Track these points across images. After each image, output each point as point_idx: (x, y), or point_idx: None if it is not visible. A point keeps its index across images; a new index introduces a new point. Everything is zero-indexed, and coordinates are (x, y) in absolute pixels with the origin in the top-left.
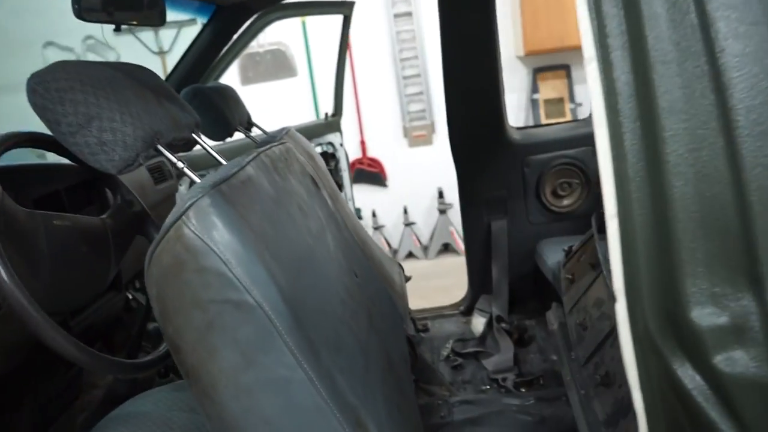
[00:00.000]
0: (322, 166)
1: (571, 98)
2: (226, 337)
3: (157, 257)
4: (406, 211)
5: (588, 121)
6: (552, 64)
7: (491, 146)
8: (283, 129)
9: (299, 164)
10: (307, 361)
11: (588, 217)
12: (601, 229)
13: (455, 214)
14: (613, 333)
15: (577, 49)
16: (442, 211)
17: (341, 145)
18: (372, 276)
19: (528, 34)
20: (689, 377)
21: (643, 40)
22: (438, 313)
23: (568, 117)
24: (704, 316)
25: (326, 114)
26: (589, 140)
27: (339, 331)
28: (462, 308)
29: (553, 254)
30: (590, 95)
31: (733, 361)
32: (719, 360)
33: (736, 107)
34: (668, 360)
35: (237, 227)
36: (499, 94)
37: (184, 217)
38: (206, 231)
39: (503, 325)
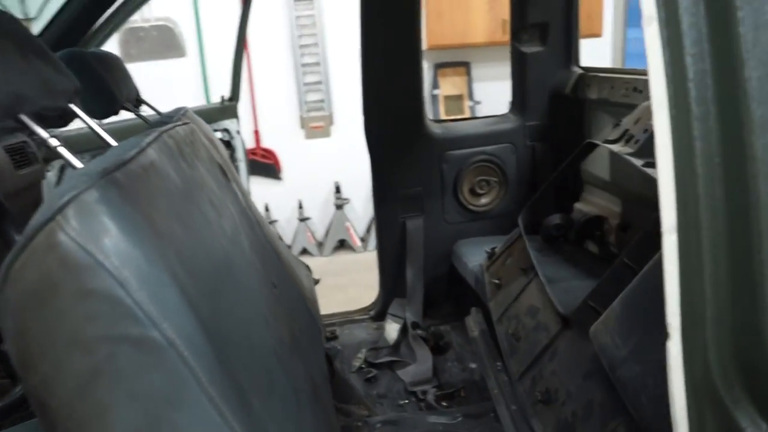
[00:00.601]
0: (225, 155)
1: (470, 95)
2: (120, 390)
3: (17, 274)
4: (301, 206)
5: (506, 117)
6: (453, 60)
7: (409, 140)
8: (179, 109)
9: (206, 150)
10: (236, 417)
11: (505, 217)
12: (530, 229)
13: (352, 210)
14: (551, 345)
15: (478, 47)
16: (339, 207)
17: (238, 132)
18: (288, 284)
19: (431, 27)
20: None
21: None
22: (346, 319)
23: (467, 114)
24: None
25: (222, 98)
26: (507, 136)
27: (269, 367)
28: (372, 313)
29: (473, 256)
30: (648, 67)
31: None
32: None
33: None
34: (734, 415)
35: (139, 232)
36: (419, 86)
37: (59, 217)
38: (93, 238)
39: (419, 331)
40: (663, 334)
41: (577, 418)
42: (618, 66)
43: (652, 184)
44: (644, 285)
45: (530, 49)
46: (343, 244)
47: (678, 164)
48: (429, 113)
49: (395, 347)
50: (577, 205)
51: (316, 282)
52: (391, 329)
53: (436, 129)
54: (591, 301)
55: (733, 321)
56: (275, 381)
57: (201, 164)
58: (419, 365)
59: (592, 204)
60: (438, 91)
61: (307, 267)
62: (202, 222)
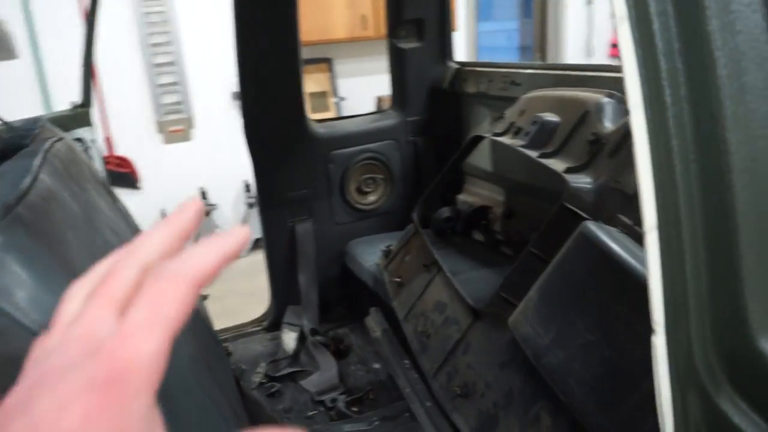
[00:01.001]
0: (100, 170)
1: (335, 92)
2: None
3: None
4: (163, 216)
5: (388, 113)
6: (315, 57)
7: (292, 141)
8: (35, 119)
9: (87, 167)
10: None
11: (393, 214)
12: (424, 224)
13: (221, 216)
14: (464, 339)
15: (339, 42)
16: (206, 213)
17: (93, 141)
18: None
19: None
20: (744, 419)
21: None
22: (239, 333)
23: (333, 111)
24: None
25: (73, 104)
26: (389, 133)
27: (205, 408)
28: (266, 324)
29: (367, 255)
30: (623, 63)
31: None
32: None
33: None
34: (716, 401)
35: (56, 277)
36: (299, 85)
37: None
38: (5, 293)
39: (318, 338)
40: (584, 319)
41: (498, 407)
42: (472, 58)
43: (539, 173)
44: (558, 274)
45: (407, 45)
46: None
47: (656, 162)
48: None
49: (295, 357)
50: (461, 197)
51: (204, 298)
52: (289, 338)
53: (319, 129)
54: (503, 292)
55: (714, 313)
56: (201, 406)
57: (89, 185)
58: (323, 372)
59: (475, 195)
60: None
61: None
62: (107, 251)
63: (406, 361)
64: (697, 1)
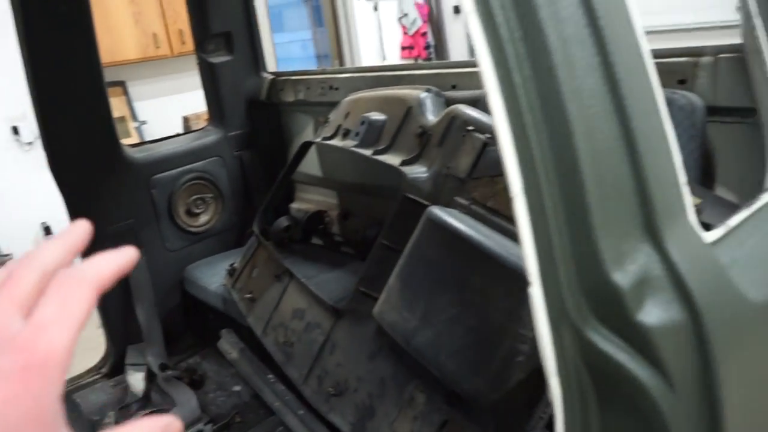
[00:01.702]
0: None
1: (134, 116)
2: None
3: None
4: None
5: (208, 130)
6: (106, 80)
7: (106, 170)
8: None
9: None
10: None
11: (228, 232)
12: (264, 237)
13: None
14: (329, 340)
15: (131, 64)
16: None
17: None
18: None
19: None
20: (608, 343)
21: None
22: (75, 386)
23: (135, 136)
24: (622, 275)
25: None
26: (213, 150)
27: None
28: (105, 369)
29: (210, 278)
30: (476, 52)
31: (653, 312)
32: (641, 315)
33: (616, 64)
34: (585, 333)
35: None
36: (106, 110)
37: None
38: None
39: (169, 372)
40: (445, 296)
41: (374, 397)
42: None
43: (374, 170)
44: (414, 259)
45: (218, 59)
46: None
47: (515, 136)
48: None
49: (146, 398)
50: (294, 206)
51: None
52: (135, 380)
53: (135, 154)
54: (362, 287)
55: (576, 258)
56: None
57: None
58: (182, 407)
59: (308, 202)
60: None
61: None
62: None
63: (270, 376)
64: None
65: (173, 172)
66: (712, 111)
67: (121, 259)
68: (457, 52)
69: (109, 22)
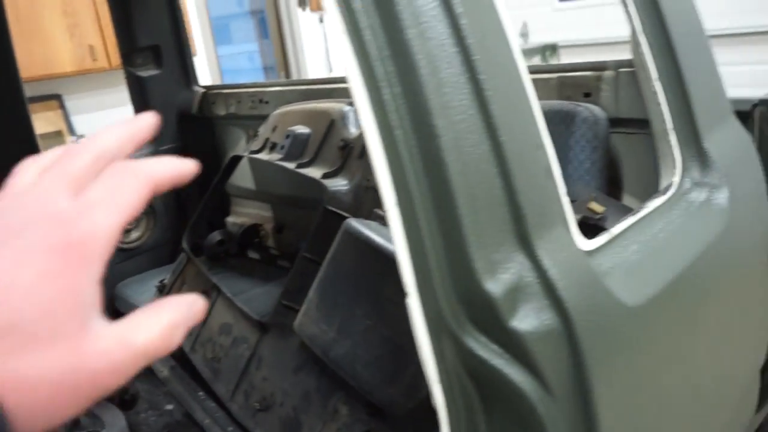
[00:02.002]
0: None
1: (71, 130)
2: None
3: None
4: None
5: (148, 146)
6: (40, 94)
7: None
8: None
9: None
10: None
11: (161, 248)
12: (193, 252)
13: None
14: (255, 354)
15: (68, 77)
16: None
17: None
18: None
19: None
20: (486, 350)
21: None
22: None
23: None
24: (495, 283)
25: None
26: None
27: None
28: None
29: (140, 295)
30: (347, 71)
31: (525, 318)
32: (515, 322)
33: (485, 84)
34: (463, 340)
35: None
36: (27, 125)
37: None
38: None
39: None
40: (361, 307)
41: (299, 411)
42: (217, 82)
43: (300, 183)
44: (331, 271)
45: (146, 72)
46: None
47: (387, 151)
48: None
49: (74, 422)
50: (229, 220)
51: None
52: None
53: None
54: (284, 300)
55: (450, 268)
56: None
57: None
58: (110, 429)
59: (243, 215)
60: None
61: None
62: None
63: (201, 393)
64: (395, 14)
65: None
66: (616, 122)
67: (181, 165)
68: None
69: (43, 34)
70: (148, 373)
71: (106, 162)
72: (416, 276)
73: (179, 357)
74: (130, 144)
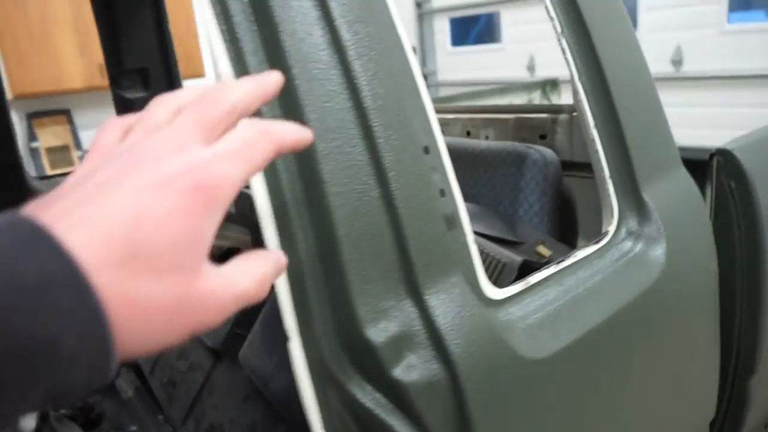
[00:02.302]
0: None
1: (78, 145)
2: None
3: None
4: None
5: None
6: (49, 108)
7: (11, 203)
8: None
9: None
10: None
11: None
12: None
13: None
14: (208, 381)
15: (77, 93)
16: None
17: None
18: None
19: (14, 74)
20: (370, 398)
21: (281, 55)
22: None
23: (78, 165)
24: (378, 332)
25: None
26: None
27: None
28: None
29: None
30: None
31: (410, 368)
32: (398, 371)
33: (374, 124)
34: (347, 387)
35: None
36: (10, 139)
37: None
38: None
39: (62, 411)
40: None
41: None
42: None
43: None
44: (274, 302)
45: (133, 94)
46: None
47: (270, 192)
48: (31, 169)
49: None
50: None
51: None
52: (27, 420)
53: (40, 187)
54: (237, 329)
55: (334, 313)
56: None
57: None
58: None
59: (223, 238)
60: (37, 144)
61: None
62: None
63: (161, 416)
64: (282, 53)
65: None
66: (570, 166)
67: (303, 132)
68: None
69: (54, 50)
70: (113, 392)
71: (238, 115)
72: (298, 319)
73: (144, 378)
74: (259, 100)
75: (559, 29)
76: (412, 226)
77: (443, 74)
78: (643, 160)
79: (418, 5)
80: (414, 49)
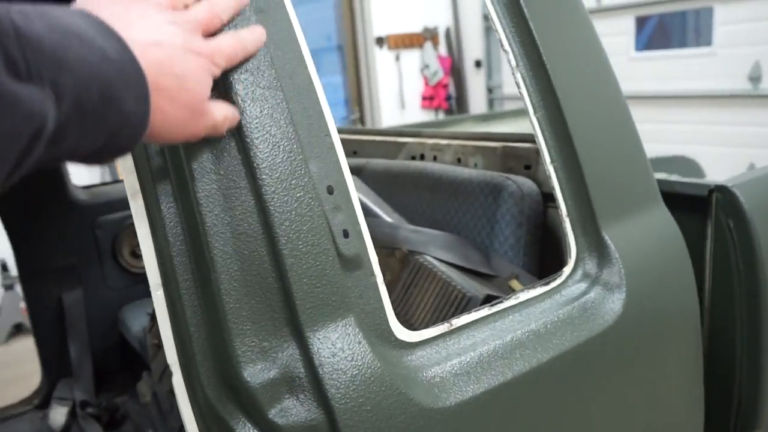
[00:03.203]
0: None
1: None
2: None
3: None
4: None
5: None
6: None
7: (52, 210)
8: None
9: None
10: None
11: None
12: None
13: None
14: None
15: None
16: (8, 287)
17: None
18: None
19: None
20: None
21: None
22: (5, 415)
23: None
24: (256, 373)
25: None
26: None
27: None
28: (37, 401)
29: (137, 319)
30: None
31: (287, 411)
32: (274, 413)
33: (261, 166)
34: (230, 424)
35: None
36: None
37: None
38: None
39: (89, 410)
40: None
41: None
42: None
43: None
44: None
45: None
46: (20, 329)
47: (153, 231)
48: (106, 171)
49: None
50: None
51: None
52: (57, 414)
53: (81, 195)
54: None
55: (213, 351)
56: None
57: None
58: None
59: None
60: None
61: None
62: None
63: (167, 423)
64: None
65: (119, 214)
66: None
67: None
68: (476, 104)
69: None
70: (135, 395)
71: (225, 19)
72: (180, 354)
73: None
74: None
75: (513, 63)
76: (298, 268)
77: (625, 85)
78: (607, 197)
79: (486, 18)
80: (479, 63)
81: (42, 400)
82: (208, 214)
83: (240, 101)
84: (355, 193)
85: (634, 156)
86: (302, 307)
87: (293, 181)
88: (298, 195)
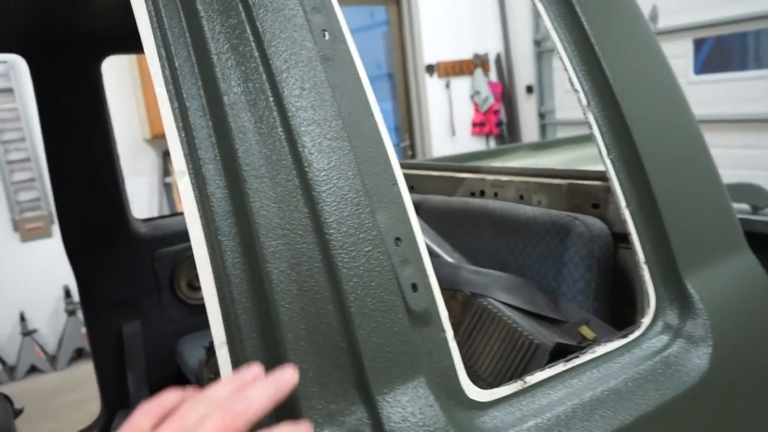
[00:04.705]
0: None
1: None
2: None
3: None
4: (23, 318)
5: None
6: (162, 150)
7: (114, 242)
8: None
9: None
10: None
11: None
12: None
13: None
14: None
15: None
16: (71, 312)
17: None
18: None
19: (153, 115)
20: None
21: (233, 153)
22: None
23: None
24: None
25: None
26: None
27: None
28: (96, 431)
29: (193, 352)
30: (185, 212)
31: None
32: None
33: (328, 220)
34: None
35: None
36: (118, 185)
37: None
38: None
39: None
40: None
41: None
42: None
43: None
44: None
45: None
46: (81, 354)
47: (219, 289)
48: (164, 202)
49: None
50: None
51: (18, 413)
52: None
53: (142, 228)
54: None
55: (279, 417)
56: None
57: None
58: None
59: None
60: (170, 179)
61: (5, 397)
62: None
63: None
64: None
65: (177, 247)
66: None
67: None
68: (528, 130)
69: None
70: None
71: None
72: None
73: None
74: (275, 403)
75: (584, 102)
76: (367, 326)
77: None
78: (689, 243)
79: (537, 44)
80: (530, 89)
81: (101, 430)
82: (274, 271)
83: (307, 154)
84: (423, 243)
85: (716, 196)
86: (371, 368)
87: (361, 235)
88: (367, 249)
